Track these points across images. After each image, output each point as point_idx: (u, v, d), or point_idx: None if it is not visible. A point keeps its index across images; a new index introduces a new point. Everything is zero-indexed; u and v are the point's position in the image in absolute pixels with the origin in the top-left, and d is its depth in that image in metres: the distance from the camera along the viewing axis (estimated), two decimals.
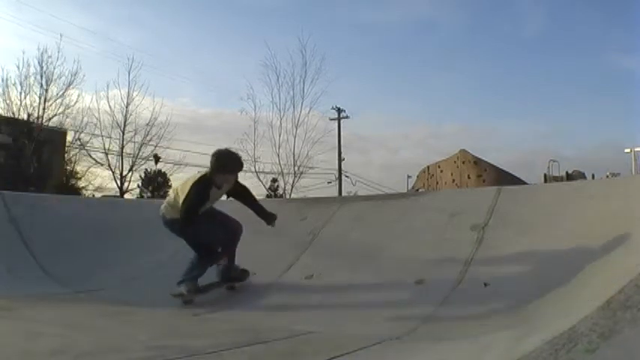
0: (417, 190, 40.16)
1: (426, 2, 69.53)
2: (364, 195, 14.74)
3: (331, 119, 32.37)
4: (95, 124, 24.03)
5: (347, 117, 33.85)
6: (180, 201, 4.74)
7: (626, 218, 3.91)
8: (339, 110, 33.23)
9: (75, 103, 23.57)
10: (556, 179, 32.49)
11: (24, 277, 5.66)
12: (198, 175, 4.98)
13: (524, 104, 67.94)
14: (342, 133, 33.79)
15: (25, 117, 23.23)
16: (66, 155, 26.72)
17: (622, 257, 3.24)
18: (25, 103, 23.18)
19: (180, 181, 5.38)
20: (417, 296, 4.10)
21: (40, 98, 23.10)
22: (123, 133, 24.35)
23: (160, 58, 69.82)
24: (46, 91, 23.13)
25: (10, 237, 6.39)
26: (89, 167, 25.77)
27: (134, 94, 24.51)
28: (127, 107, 24.32)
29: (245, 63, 65.19)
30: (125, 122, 24.32)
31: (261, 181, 25.11)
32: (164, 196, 31.94)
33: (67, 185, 25.15)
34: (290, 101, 24.62)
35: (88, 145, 24.59)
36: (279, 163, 24.17)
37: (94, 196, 24.23)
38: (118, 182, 24.67)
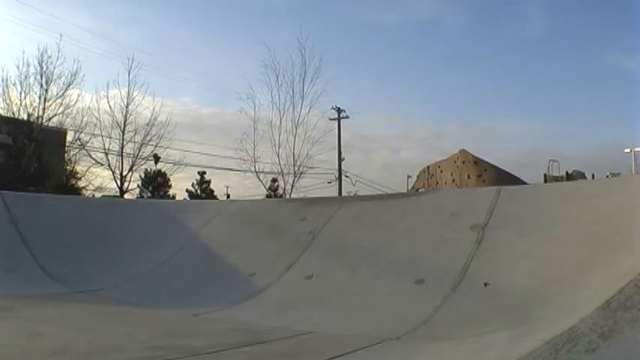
0: (417, 190, 40.15)
1: (427, 2, 69.43)
2: (364, 195, 14.76)
3: (331, 119, 32.33)
4: (95, 124, 23.93)
5: (347, 117, 33.81)
6: None
7: (626, 218, 3.91)
8: (339, 110, 33.19)
9: (75, 103, 23.47)
10: (556, 179, 32.43)
11: (24, 277, 5.66)
12: None
13: (525, 104, 67.76)
14: (342, 133, 33.77)
15: (25, 117, 23.19)
16: (66, 155, 26.68)
17: (622, 257, 3.24)
18: (25, 103, 23.11)
19: None
20: (417, 296, 4.10)
21: (40, 98, 23.04)
22: (123, 133, 24.26)
23: (162, 58, 69.90)
24: (46, 91, 23.06)
25: (10, 237, 6.40)
26: (89, 167, 25.71)
27: (134, 94, 24.44)
28: (127, 107, 24.23)
29: (246, 62, 64.80)
30: (125, 122, 24.23)
31: (261, 181, 25.02)
32: (164, 196, 32.08)
33: (67, 185, 25.08)
34: (290, 101, 24.55)
35: (88, 145, 24.53)
36: (279, 163, 24.08)
37: (94, 196, 24.20)
38: (118, 182, 24.61)
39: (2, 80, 23.14)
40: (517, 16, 67.17)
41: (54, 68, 23.10)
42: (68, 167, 26.88)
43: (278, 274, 5.13)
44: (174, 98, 61.68)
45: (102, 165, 24.65)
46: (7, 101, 23.16)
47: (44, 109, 23.09)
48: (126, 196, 24.37)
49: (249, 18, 60.87)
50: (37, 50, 25.11)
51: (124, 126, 24.16)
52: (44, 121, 23.20)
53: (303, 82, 24.30)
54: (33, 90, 23.08)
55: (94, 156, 24.67)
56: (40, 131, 23.12)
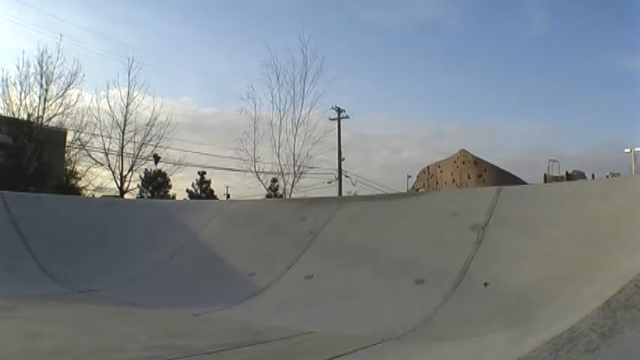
0: (417, 190, 40.15)
1: (428, 2, 69.44)
2: (364, 195, 14.76)
3: (331, 119, 32.35)
4: (95, 124, 23.94)
5: (347, 117, 33.80)
6: None
7: (626, 218, 3.91)
8: (339, 110, 33.19)
9: (75, 103, 23.48)
10: (556, 179, 32.42)
11: (24, 277, 5.66)
12: None
13: (525, 104, 67.79)
14: (343, 133, 33.77)
15: (25, 117, 23.20)
16: (66, 155, 26.69)
17: (622, 257, 3.24)
18: (25, 103, 23.13)
19: None
20: (417, 296, 4.10)
21: (40, 98, 23.06)
22: (123, 133, 24.25)
23: (162, 58, 69.89)
24: (46, 91, 23.07)
25: (10, 237, 6.40)
26: (89, 167, 25.72)
27: (134, 94, 24.43)
28: (127, 107, 24.22)
29: (246, 62, 64.87)
30: (125, 122, 24.24)
31: (261, 181, 25.04)
32: (164, 196, 32.08)
33: (67, 185, 25.07)
34: (290, 101, 24.54)
35: (88, 145, 24.53)
36: (279, 163, 24.09)
37: (94, 196, 24.19)
38: (118, 182, 24.62)
39: (2, 80, 23.17)
40: (517, 16, 67.32)
41: (54, 68, 23.13)
42: (68, 167, 26.89)
43: (278, 274, 5.13)
44: (174, 98, 61.80)
45: (102, 165, 24.68)
46: (7, 101, 23.21)
47: (44, 109, 23.12)
48: (126, 196, 24.38)
49: (250, 18, 61.03)
50: (37, 50, 25.14)
51: (124, 126, 24.17)
52: (44, 121, 23.22)
53: (304, 82, 24.33)
54: (33, 90, 23.12)
55: (94, 156, 24.70)
56: (40, 131, 23.12)
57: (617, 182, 6.64)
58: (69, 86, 23.29)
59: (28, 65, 22.94)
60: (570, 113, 66.17)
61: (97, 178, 25.95)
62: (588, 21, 61.85)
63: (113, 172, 24.56)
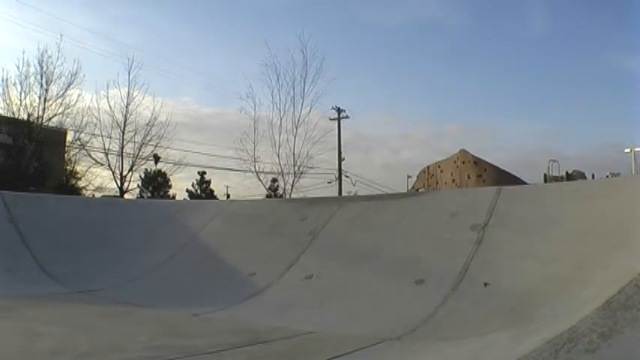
0: (417, 190, 40.16)
1: (428, 3, 69.52)
2: (364, 195, 14.75)
3: (331, 119, 32.36)
4: (95, 124, 23.95)
5: (347, 117, 33.81)
6: None
7: (626, 218, 3.91)
8: (339, 110, 33.20)
9: (75, 103, 23.50)
10: (556, 179, 32.42)
11: (24, 277, 5.66)
12: None
13: (525, 104, 67.94)
14: (343, 133, 33.77)
15: (25, 117, 23.21)
16: (66, 155, 26.70)
17: (622, 257, 3.24)
18: (25, 103, 23.15)
19: None
20: (417, 296, 4.10)
21: (40, 98, 23.07)
22: (123, 133, 24.25)
23: (162, 58, 69.95)
24: (46, 91, 23.08)
25: (10, 237, 6.40)
26: (89, 167, 25.73)
27: (134, 94, 24.43)
28: (127, 107, 24.22)
29: (246, 62, 65.31)
30: (125, 122, 24.23)
31: (261, 181, 25.05)
32: (164, 196, 32.08)
33: (67, 185, 25.07)
34: (290, 101, 24.52)
35: (88, 145, 24.54)
36: (279, 163, 24.10)
37: (94, 196, 24.19)
38: (118, 182, 24.61)
39: (2, 80, 23.18)
40: (517, 16, 67.48)
41: (54, 68, 23.15)
42: (68, 167, 26.90)
43: (278, 274, 5.12)
44: (175, 98, 61.87)
45: (102, 165, 24.69)
46: (7, 101, 23.22)
47: (44, 109, 23.14)
48: (126, 196, 24.37)
49: (250, 18, 61.09)
50: (37, 50, 25.19)
51: (124, 126, 24.18)
52: (44, 121, 23.23)
53: (304, 83, 24.33)
54: (33, 90, 23.14)
55: (94, 156, 24.71)
56: (40, 131, 23.13)
57: (617, 182, 6.64)
58: (69, 86, 23.33)
59: (28, 65, 22.98)
60: (570, 113, 66.37)
61: (97, 178, 25.98)
62: (588, 21, 61.99)
63: (113, 172, 24.57)
